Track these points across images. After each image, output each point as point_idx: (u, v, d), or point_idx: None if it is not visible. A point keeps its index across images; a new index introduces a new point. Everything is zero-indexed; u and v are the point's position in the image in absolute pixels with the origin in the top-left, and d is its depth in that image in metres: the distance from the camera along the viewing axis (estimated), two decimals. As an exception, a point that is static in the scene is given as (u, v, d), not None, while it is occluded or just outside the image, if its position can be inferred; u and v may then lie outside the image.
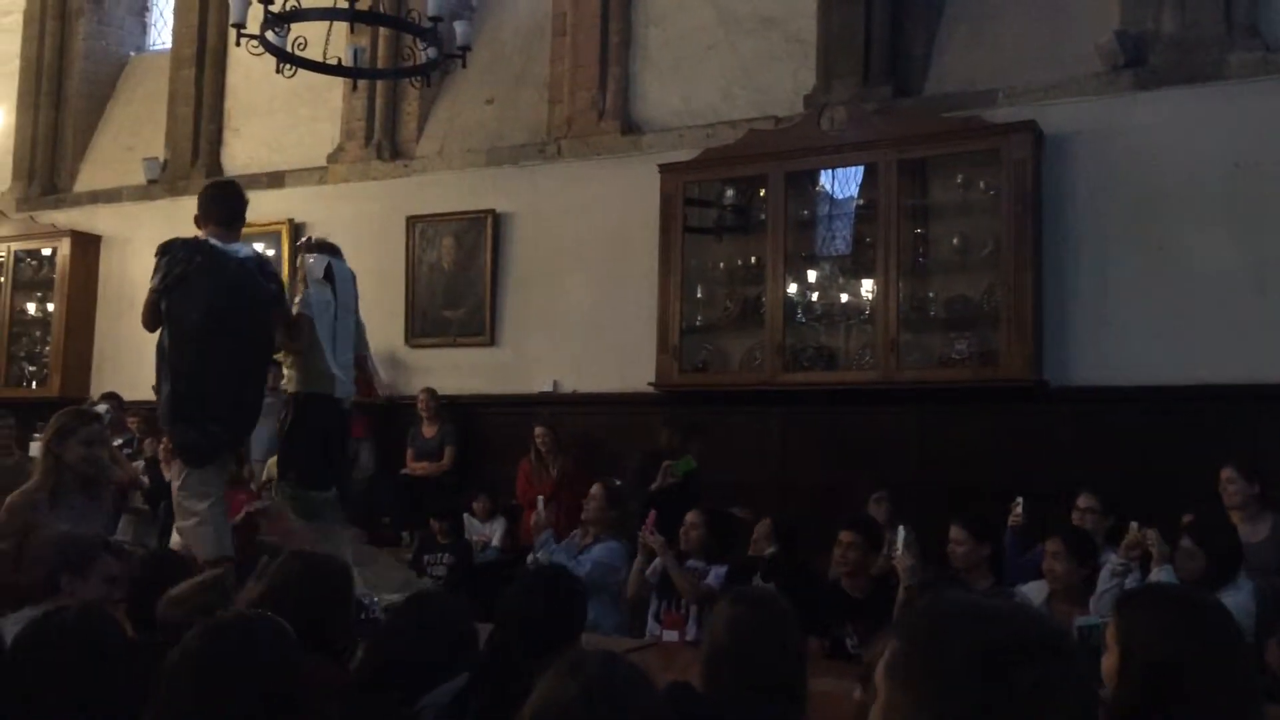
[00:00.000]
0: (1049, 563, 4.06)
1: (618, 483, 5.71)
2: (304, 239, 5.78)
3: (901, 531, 4.94)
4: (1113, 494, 5.11)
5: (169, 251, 4.53)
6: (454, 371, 7.91)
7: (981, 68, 6.65)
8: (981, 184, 6.46)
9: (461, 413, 7.76)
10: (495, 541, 7.13)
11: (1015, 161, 6.18)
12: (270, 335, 4.67)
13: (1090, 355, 6.15)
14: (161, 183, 9.28)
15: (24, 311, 9.71)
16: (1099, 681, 2.49)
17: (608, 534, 5.28)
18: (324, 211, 8.56)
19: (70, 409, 4.38)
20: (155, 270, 4.53)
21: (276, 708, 1.82)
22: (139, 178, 9.41)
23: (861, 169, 6.77)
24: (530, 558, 5.35)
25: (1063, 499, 5.18)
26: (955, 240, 6.54)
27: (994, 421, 6.29)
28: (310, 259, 4.98)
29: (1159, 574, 3.99)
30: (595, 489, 5.45)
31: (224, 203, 4.68)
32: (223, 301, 4.45)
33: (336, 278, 5.05)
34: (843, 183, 6.91)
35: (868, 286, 6.67)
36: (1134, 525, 4.20)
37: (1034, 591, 4.09)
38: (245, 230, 8.64)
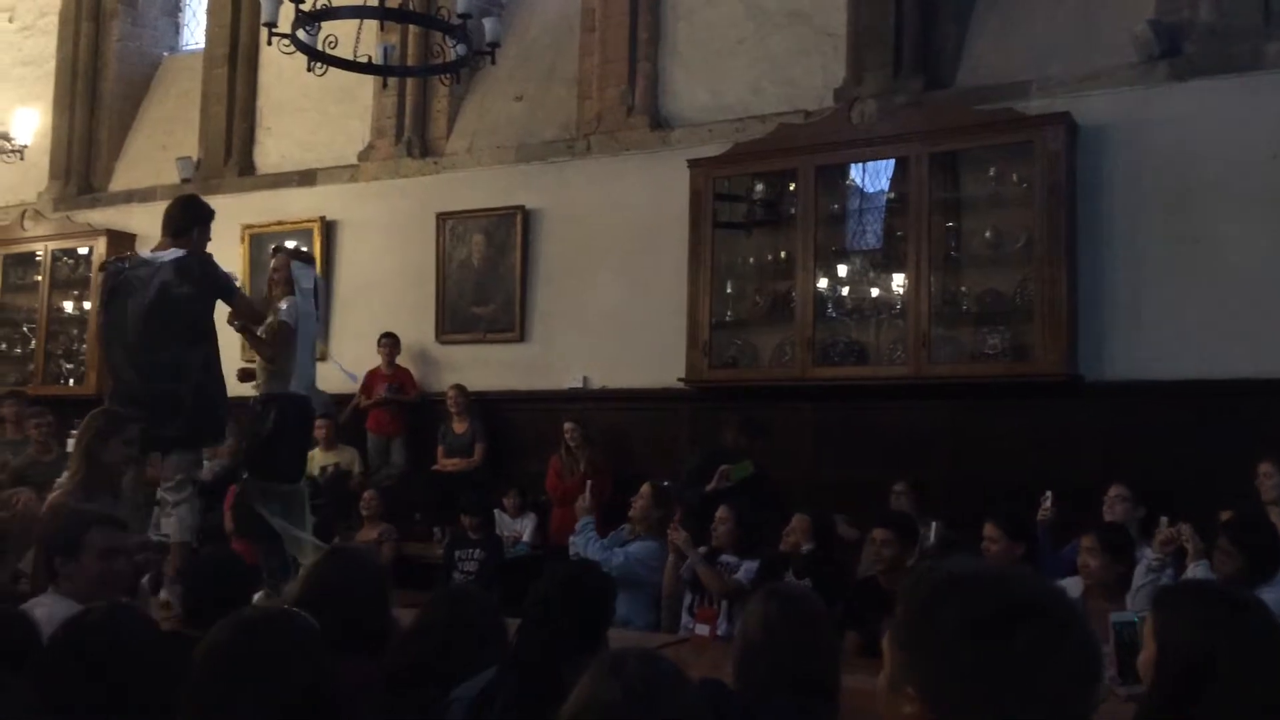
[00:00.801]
0: (1084, 558, 4.02)
1: (666, 484, 5.72)
2: (278, 246, 5.94)
3: (934, 528, 4.93)
4: (1149, 489, 5.06)
5: (104, 271, 4.91)
6: (484, 368, 7.94)
7: (1014, 59, 6.58)
8: (1014, 177, 6.40)
9: (491, 409, 7.79)
10: (526, 537, 7.17)
11: (1049, 154, 6.12)
12: (199, 330, 4.81)
13: (1125, 349, 6.07)
14: (195, 182, 9.36)
15: (61, 310, 9.83)
16: (1135, 677, 2.47)
17: (650, 533, 5.30)
18: (355, 209, 8.62)
19: (105, 409, 4.44)
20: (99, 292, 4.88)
21: (303, 701, 1.83)
22: (173, 177, 9.50)
23: (892, 162, 6.72)
24: (571, 541, 5.39)
25: (1097, 495, 5.13)
26: (988, 234, 6.48)
27: (1027, 417, 6.23)
28: (299, 269, 5.08)
29: (1195, 570, 3.94)
30: (644, 488, 5.50)
31: (172, 216, 5.01)
32: (139, 310, 4.75)
33: (318, 290, 5.27)
34: (873, 176, 6.86)
35: (899, 281, 6.62)
36: (1163, 520, 4.15)
37: (1068, 587, 4.05)
38: (278, 228, 8.88)
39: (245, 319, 4.95)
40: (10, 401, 7.44)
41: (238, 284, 5.20)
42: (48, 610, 2.75)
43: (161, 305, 4.74)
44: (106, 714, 2.00)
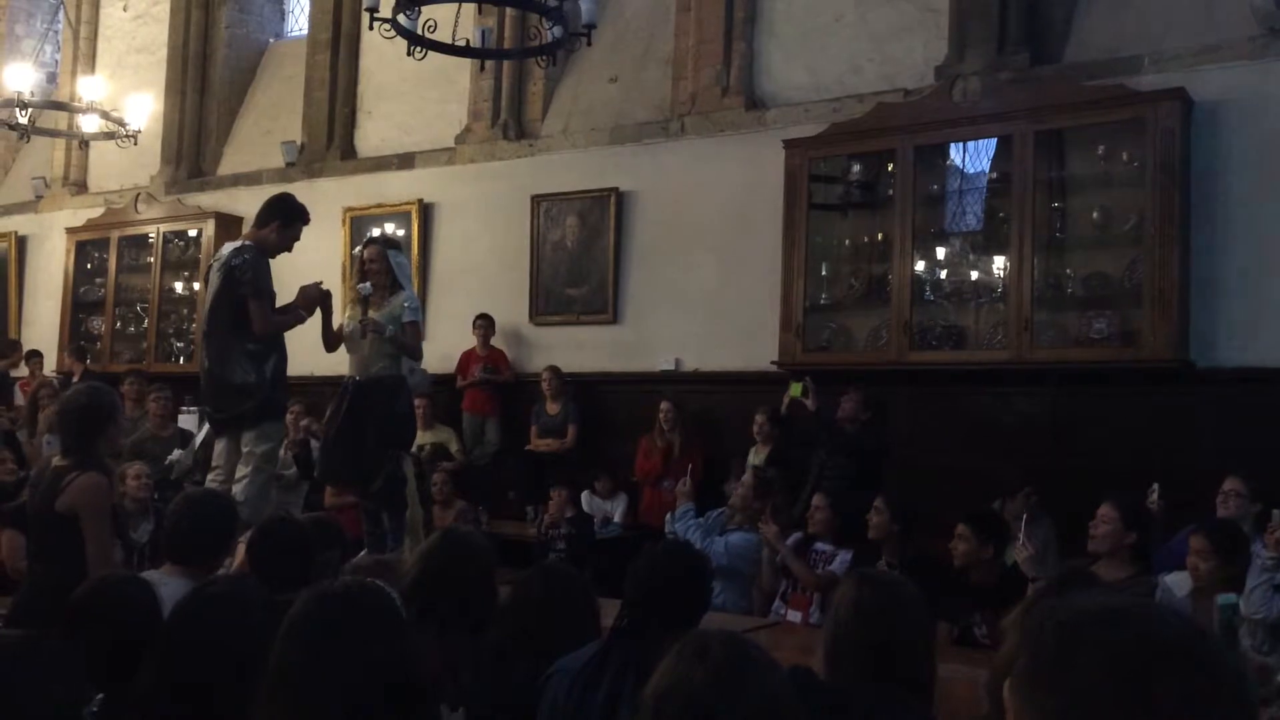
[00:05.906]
0: (1193, 560, 3.85)
1: (770, 472, 5.72)
2: (370, 238, 6.02)
3: (1024, 521, 4.79)
4: (1262, 482, 4.83)
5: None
6: (577, 349, 7.99)
7: (1126, 33, 6.34)
8: (1124, 155, 6.16)
9: (584, 390, 7.84)
10: (617, 518, 7.21)
11: (1162, 131, 5.88)
12: (240, 318, 4.93)
13: (1240, 335, 5.83)
14: (298, 165, 9.60)
15: (172, 290, 10.20)
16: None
17: (751, 522, 5.28)
18: (452, 192, 8.73)
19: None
20: None
21: (385, 675, 1.83)
22: (278, 161, 9.75)
23: (994, 142, 6.54)
24: (668, 527, 5.41)
25: (1209, 487, 4.92)
26: (1095, 214, 6.27)
27: (1135, 404, 6.03)
28: (395, 257, 5.23)
29: (1308, 568, 3.76)
30: (747, 477, 5.54)
31: (260, 208, 5.28)
32: (209, 299, 5.12)
33: None
34: (974, 156, 6.69)
35: (999, 263, 6.46)
36: (1276, 514, 3.96)
37: (1177, 584, 3.90)
38: (378, 210, 9.05)
39: (256, 325, 4.90)
40: (131, 380, 7.76)
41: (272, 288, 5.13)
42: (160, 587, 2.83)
43: (218, 294, 5.00)
44: (230, 687, 2.04)
